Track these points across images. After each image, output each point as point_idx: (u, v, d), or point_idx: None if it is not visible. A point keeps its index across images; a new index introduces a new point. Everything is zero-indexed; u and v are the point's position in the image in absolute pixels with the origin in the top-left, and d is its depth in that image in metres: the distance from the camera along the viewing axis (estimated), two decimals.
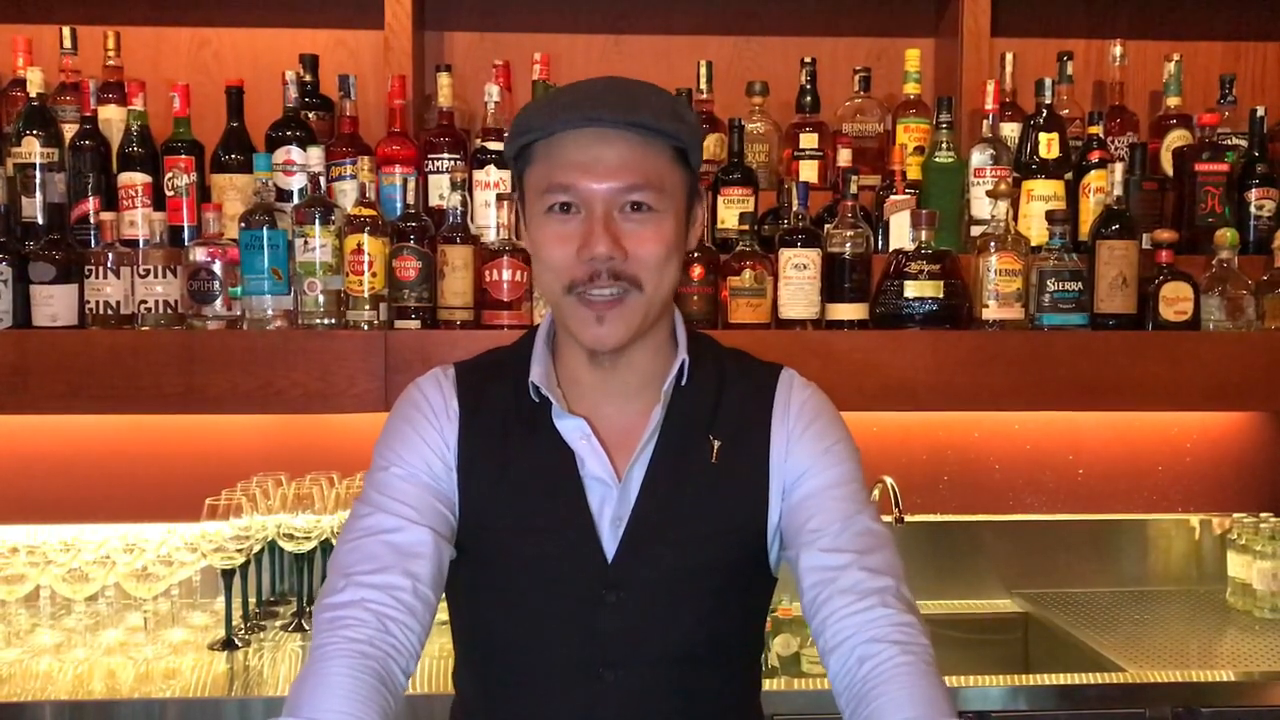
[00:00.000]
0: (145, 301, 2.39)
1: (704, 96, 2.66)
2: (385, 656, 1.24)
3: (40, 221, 2.46)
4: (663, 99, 1.30)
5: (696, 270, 2.42)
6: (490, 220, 2.48)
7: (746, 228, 2.45)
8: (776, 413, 1.38)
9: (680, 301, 2.43)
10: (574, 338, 1.32)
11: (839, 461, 1.37)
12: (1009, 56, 2.67)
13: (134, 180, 2.48)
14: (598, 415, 1.36)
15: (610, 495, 1.34)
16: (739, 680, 1.44)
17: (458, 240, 2.41)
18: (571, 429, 1.35)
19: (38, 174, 2.46)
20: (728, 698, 1.41)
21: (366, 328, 2.40)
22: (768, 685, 2.25)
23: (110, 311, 2.38)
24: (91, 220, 2.47)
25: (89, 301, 2.39)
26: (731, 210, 2.51)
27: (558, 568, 1.33)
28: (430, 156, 2.53)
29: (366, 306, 2.40)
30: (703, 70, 2.67)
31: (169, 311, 2.40)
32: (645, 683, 1.34)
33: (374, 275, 2.39)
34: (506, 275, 2.42)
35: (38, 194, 2.45)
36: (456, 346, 2.41)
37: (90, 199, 2.47)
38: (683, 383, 1.36)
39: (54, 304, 2.36)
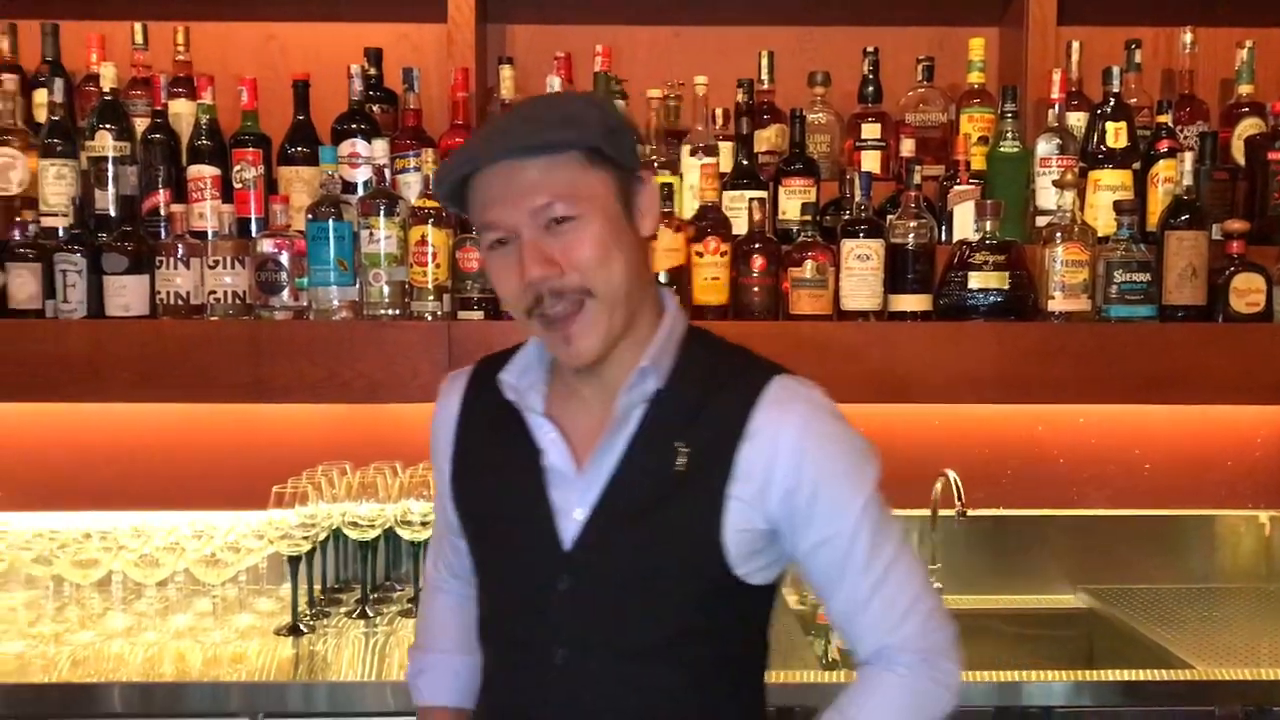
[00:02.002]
0: (214, 292, 2.43)
1: (765, 87, 2.66)
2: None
3: (113, 214, 2.51)
4: (559, 110, 1.35)
5: (758, 261, 2.41)
6: None
7: (808, 218, 2.44)
8: (751, 431, 1.34)
9: (740, 293, 2.43)
10: (558, 357, 1.39)
11: (839, 507, 1.36)
12: (1075, 45, 2.63)
13: (203, 173, 2.52)
14: (570, 412, 1.41)
15: (574, 488, 1.38)
16: (707, 688, 1.41)
17: None
18: (539, 425, 1.41)
19: (110, 167, 2.51)
20: (689, 703, 1.40)
21: (430, 318, 2.43)
22: (827, 677, 2.25)
23: (180, 302, 2.43)
24: (162, 212, 2.51)
25: (159, 292, 2.44)
26: (793, 201, 2.50)
27: (519, 555, 1.41)
28: None
29: (430, 297, 2.43)
30: (763, 61, 2.66)
31: (237, 302, 2.44)
32: (596, 671, 1.38)
33: (437, 266, 2.42)
34: None
35: (110, 187, 2.50)
36: (518, 337, 2.42)
37: (161, 191, 2.52)
38: (657, 386, 1.37)
39: (126, 294, 2.41)
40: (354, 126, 2.56)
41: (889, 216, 2.48)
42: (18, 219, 2.48)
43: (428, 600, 1.69)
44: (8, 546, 2.52)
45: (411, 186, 2.51)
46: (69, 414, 2.66)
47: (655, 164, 2.53)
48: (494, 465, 1.45)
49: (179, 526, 2.57)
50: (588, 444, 1.39)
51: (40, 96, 2.61)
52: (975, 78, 2.65)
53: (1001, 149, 2.55)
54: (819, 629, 2.60)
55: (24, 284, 2.43)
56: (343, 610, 2.53)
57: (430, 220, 2.40)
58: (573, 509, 1.38)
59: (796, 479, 1.34)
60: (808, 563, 1.39)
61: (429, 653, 1.65)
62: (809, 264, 2.39)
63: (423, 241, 2.41)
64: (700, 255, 2.42)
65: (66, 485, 2.73)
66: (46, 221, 2.51)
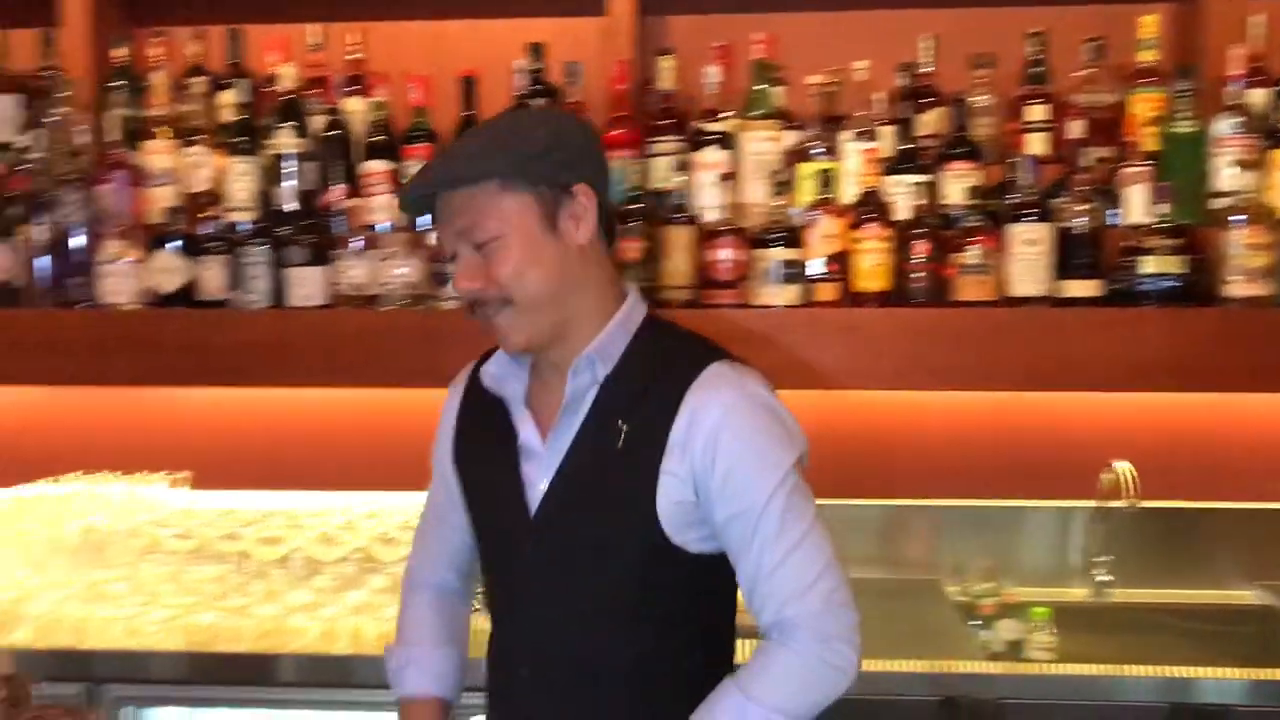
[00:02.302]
0: (388, 283, 2.53)
1: (926, 70, 2.62)
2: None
3: (293, 208, 2.62)
4: (475, 145, 1.52)
5: (920, 247, 2.39)
6: (711, 200, 2.51)
7: (973, 203, 2.40)
8: (683, 410, 1.47)
9: (902, 279, 2.41)
10: None
11: (742, 491, 1.47)
12: (1257, 20, 2.52)
13: (376, 169, 2.62)
14: (542, 396, 1.59)
15: (540, 463, 1.55)
16: (667, 649, 1.55)
17: (679, 221, 2.46)
18: (515, 409, 1.60)
19: (290, 164, 2.62)
20: (650, 662, 1.54)
21: None
22: (990, 668, 2.22)
23: (356, 292, 2.53)
24: (338, 207, 2.62)
25: (337, 283, 2.55)
26: (956, 185, 2.46)
27: (500, 524, 1.62)
28: (652, 139, 2.58)
29: None
30: (925, 44, 2.62)
31: (410, 292, 2.53)
32: (560, 627, 1.56)
33: None
34: (726, 255, 2.45)
35: (291, 182, 2.62)
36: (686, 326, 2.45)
37: (337, 187, 2.63)
38: (605, 371, 1.52)
39: (307, 285, 2.53)
40: None
41: (1056, 200, 2.42)
42: (204, 215, 2.63)
43: (406, 598, 1.83)
44: (199, 524, 2.67)
45: None
46: (254, 399, 2.81)
47: (813, 150, 2.53)
48: (484, 445, 1.64)
49: (353, 506, 2.68)
50: (548, 419, 1.56)
51: (225, 98, 2.74)
52: (1147, 56, 2.56)
53: (1176, 129, 2.46)
54: (984, 619, 2.57)
55: (212, 276, 2.58)
56: None
57: None
58: (539, 481, 1.55)
59: (711, 457, 1.46)
60: (722, 535, 1.50)
61: (411, 646, 1.77)
62: (974, 249, 2.36)
63: None
64: (861, 241, 2.41)
65: (251, 466, 2.88)
66: (231, 216, 2.64)
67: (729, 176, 2.51)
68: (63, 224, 2.63)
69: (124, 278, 2.58)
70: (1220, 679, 2.15)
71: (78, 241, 2.63)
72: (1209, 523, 2.69)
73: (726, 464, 1.46)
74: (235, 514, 2.75)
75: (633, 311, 1.57)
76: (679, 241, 2.44)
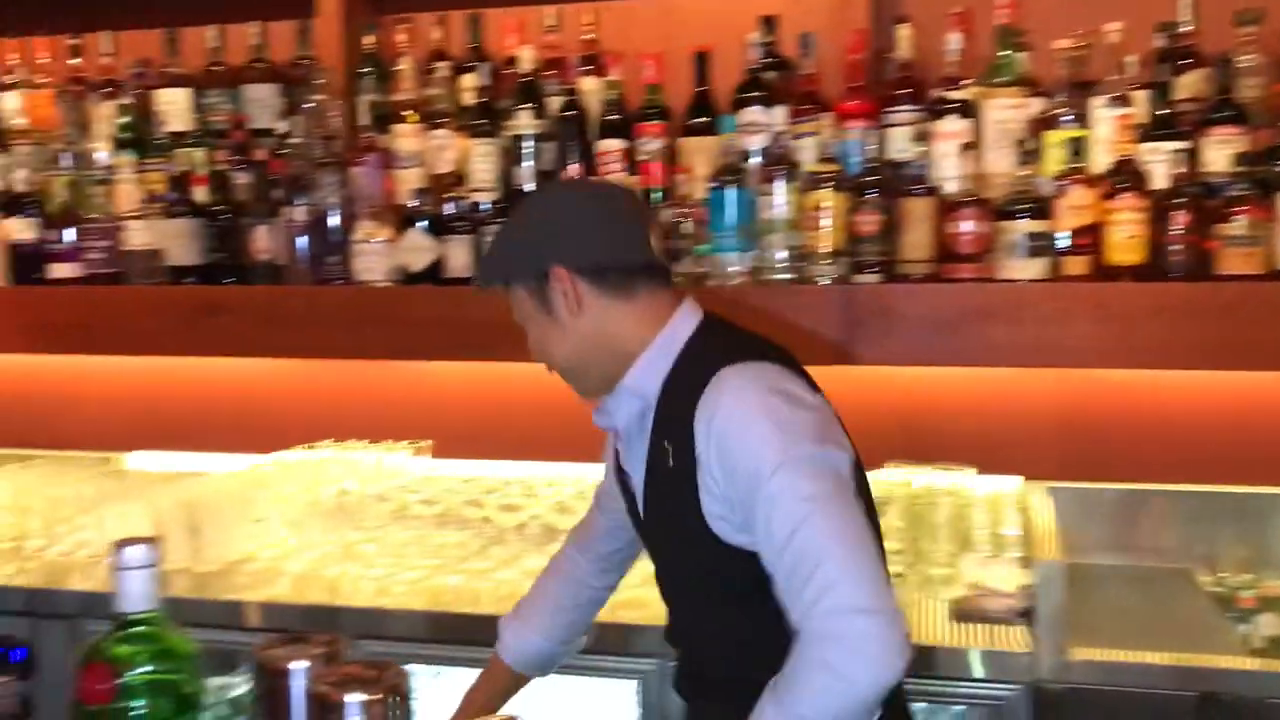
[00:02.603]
0: None
1: (1186, 29, 2.46)
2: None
3: (531, 188, 2.69)
4: (491, 249, 1.70)
5: (1179, 218, 2.26)
6: (951, 171, 2.44)
7: (1239, 170, 2.24)
8: (698, 420, 1.51)
9: (1159, 251, 2.29)
10: None
11: (745, 480, 1.46)
12: None
13: (611, 147, 2.66)
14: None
15: (635, 482, 1.69)
16: (761, 630, 1.51)
17: (918, 193, 2.40)
18: (615, 433, 1.73)
19: (528, 144, 2.69)
20: (748, 642, 1.57)
21: (826, 282, 2.44)
22: (1254, 664, 2.09)
23: None
24: None
25: None
26: (1220, 152, 2.31)
27: (633, 521, 1.76)
28: (889, 110, 2.52)
29: (826, 261, 2.45)
30: (1184, 2, 2.46)
31: None
32: (683, 611, 1.72)
33: (834, 231, 2.43)
34: (968, 227, 2.38)
35: (529, 163, 2.69)
36: (916, 299, 2.41)
37: (573, 165, 2.68)
38: (643, 404, 1.61)
39: None
40: (752, 94, 2.61)
41: None
42: (449, 195, 2.73)
43: (552, 561, 2.00)
44: (443, 490, 2.78)
45: (808, 151, 2.53)
46: (494, 372, 2.90)
47: (1060, 117, 2.42)
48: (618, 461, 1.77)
49: (585, 477, 2.73)
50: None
51: (467, 81, 2.83)
52: None
53: None
54: (1243, 612, 2.42)
55: (458, 254, 2.68)
56: None
57: (827, 185, 2.42)
58: (637, 495, 1.69)
59: (722, 465, 1.48)
60: (745, 528, 1.50)
61: (513, 620, 1.95)
62: (1240, 219, 2.21)
63: (819, 206, 2.43)
64: (1114, 212, 2.29)
65: (489, 437, 2.98)
66: (474, 196, 2.73)
67: (970, 146, 2.43)
68: (320, 205, 2.78)
69: (376, 256, 2.71)
70: None
71: (334, 222, 2.78)
72: None
73: (731, 463, 1.48)
74: (477, 481, 2.85)
75: (675, 333, 1.61)
76: (918, 213, 2.39)
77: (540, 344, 1.66)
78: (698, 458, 1.51)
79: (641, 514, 1.70)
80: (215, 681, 2.79)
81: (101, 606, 2.43)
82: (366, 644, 2.36)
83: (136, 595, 1.32)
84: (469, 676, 2.55)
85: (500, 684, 1.93)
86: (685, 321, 1.62)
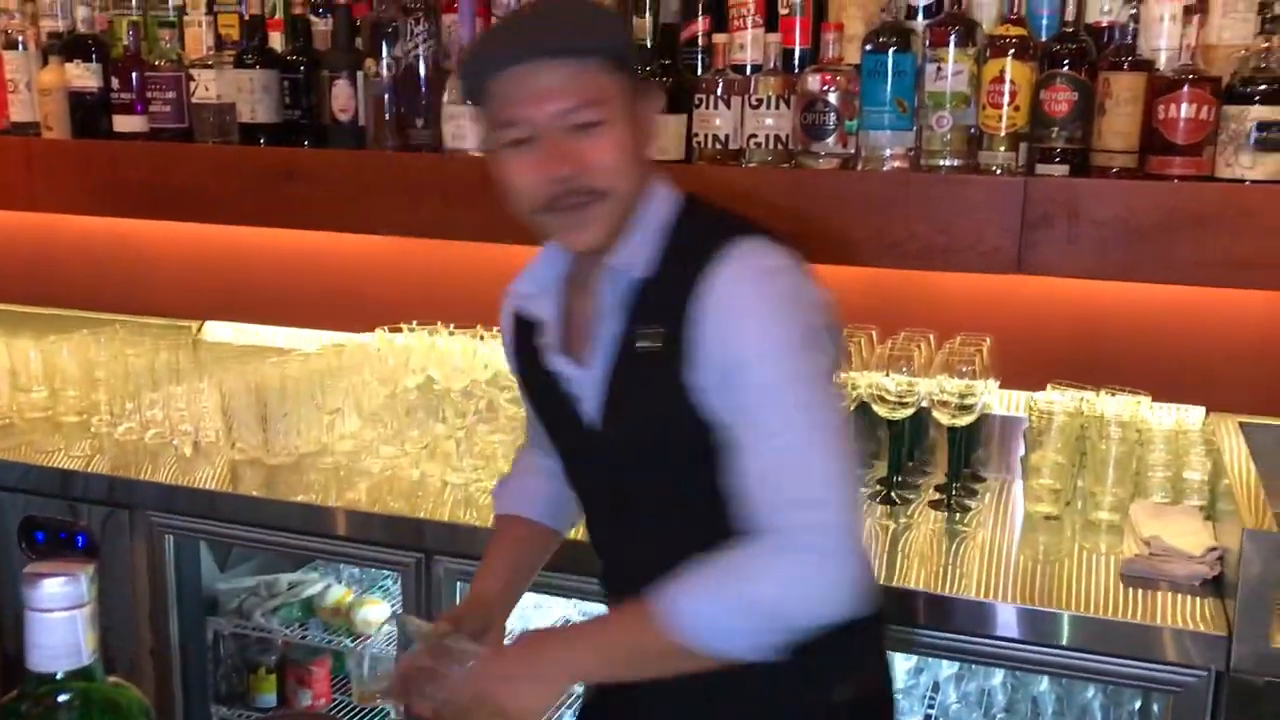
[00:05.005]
0: (755, 135, 2.18)
1: None
2: None
3: (650, 44, 2.31)
4: (584, 14, 1.41)
5: None
6: (1166, 41, 2.00)
7: None
8: (706, 299, 1.36)
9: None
10: (557, 243, 1.49)
11: (751, 375, 1.35)
12: None
13: None
14: (581, 301, 1.50)
15: (582, 379, 1.48)
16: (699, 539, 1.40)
17: (1124, 66, 1.97)
18: (542, 310, 1.53)
19: None
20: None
21: (1000, 172, 2.05)
22: None
23: (718, 146, 2.20)
24: (700, 43, 2.28)
25: (696, 134, 2.23)
26: None
27: (565, 439, 1.58)
28: None
29: (1003, 147, 2.05)
30: None
31: (779, 148, 2.18)
32: (644, 526, 1.51)
33: (1016, 109, 2.03)
34: (1185, 111, 1.95)
35: (649, 14, 2.30)
36: (1110, 199, 2.00)
37: (700, 19, 2.29)
38: (639, 276, 1.42)
39: (663, 135, 2.22)
40: None
41: None
42: None
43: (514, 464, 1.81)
44: None
45: (988, 9, 2.10)
46: None
47: None
48: (528, 365, 1.58)
49: None
50: (586, 334, 1.47)
51: None
52: None
53: None
54: None
55: None
56: (865, 492, 2.27)
57: (1011, 52, 2.01)
58: (585, 396, 1.48)
59: (718, 335, 1.36)
60: (723, 415, 1.37)
61: (513, 477, 1.78)
62: None
63: (1000, 78, 2.02)
64: None
65: None
66: None
67: (1194, 10, 1.98)
68: (408, 58, 2.44)
69: (468, 121, 2.37)
70: None
71: (422, 79, 2.44)
72: None
73: (720, 337, 1.36)
74: None
75: (662, 207, 1.45)
76: (1124, 92, 1.97)
77: (623, 151, 1.38)
78: (692, 339, 1.37)
79: (595, 412, 1.47)
80: (289, 577, 2.65)
81: (168, 499, 2.35)
82: (449, 561, 2.15)
83: (59, 649, 0.89)
84: (566, 606, 2.34)
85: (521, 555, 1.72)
86: (671, 193, 1.48)
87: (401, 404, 2.50)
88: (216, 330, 3.10)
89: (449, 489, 2.29)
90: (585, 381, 1.48)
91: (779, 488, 1.31)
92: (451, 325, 2.66)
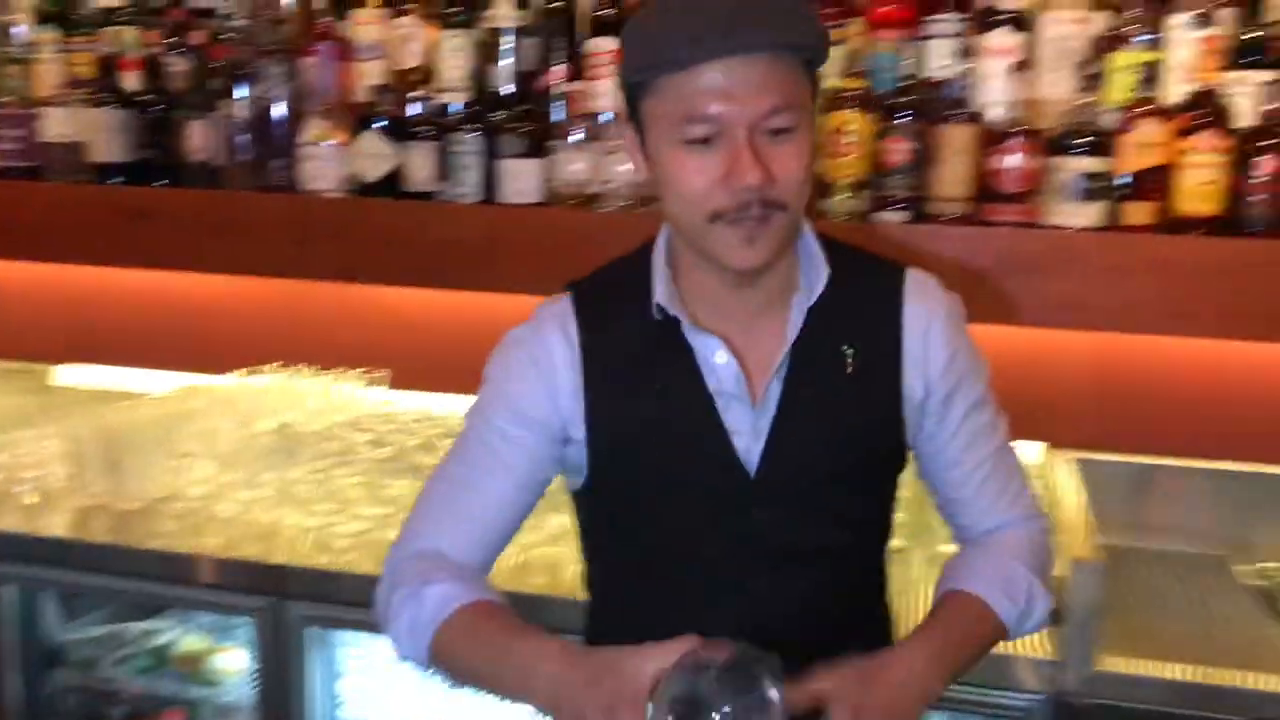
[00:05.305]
0: (610, 181, 2.23)
1: None
2: None
3: (508, 90, 2.35)
4: (792, 5, 1.24)
5: (1267, 163, 1.93)
6: (998, 95, 2.11)
7: None
8: (909, 318, 1.37)
9: (1238, 201, 1.96)
10: (716, 260, 1.29)
11: (974, 385, 1.42)
12: None
13: (603, 47, 2.30)
14: (731, 333, 1.35)
15: (747, 412, 1.34)
16: (875, 571, 1.48)
17: (958, 118, 2.07)
18: (705, 346, 1.34)
19: (508, 39, 2.35)
20: (866, 591, 1.47)
21: (844, 218, 2.12)
22: None
23: (575, 190, 2.25)
24: (558, 90, 2.33)
25: (553, 178, 2.27)
26: None
27: (700, 486, 1.35)
28: (928, 19, 2.17)
29: (845, 195, 2.12)
30: None
31: (636, 193, 2.23)
32: (790, 588, 1.37)
33: (857, 158, 2.10)
34: (1014, 162, 2.06)
35: (508, 60, 2.34)
36: (946, 245, 2.09)
37: (557, 68, 2.33)
38: (821, 297, 1.34)
39: (521, 179, 2.26)
40: None
41: None
42: (413, 94, 2.39)
43: (408, 577, 1.38)
44: (393, 430, 2.49)
45: (831, 64, 2.17)
46: (461, 299, 2.58)
47: (1131, 37, 2.08)
48: (649, 394, 1.35)
49: None
50: (756, 363, 1.35)
51: None
52: None
53: None
54: None
55: (420, 164, 2.34)
56: None
57: (852, 104, 2.09)
58: (752, 431, 1.34)
59: (949, 354, 1.38)
60: (952, 435, 1.42)
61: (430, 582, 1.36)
62: None
63: (841, 129, 2.10)
64: (1189, 153, 1.96)
65: (453, 370, 2.67)
66: (441, 97, 2.40)
67: (1022, 66, 2.10)
68: (265, 100, 2.43)
69: (326, 162, 2.39)
70: None
71: (279, 120, 2.44)
72: None
73: (947, 356, 1.38)
74: (433, 421, 2.56)
75: (813, 235, 1.38)
76: (957, 143, 2.07)
77: (809, 160, 1.26)
78: (904, 350, 1.36)
79: (758, 456, 1.33)
80: (138, 628, 2.57)
81: (11, 547, 2.26)
82: (305, 606, 2.12)
83: None
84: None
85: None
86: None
87: (257, 447, 2.46)
88: (68, 374, 3.01)
89: (304, 533, 2.25)
90: (753, 422, 1.34)
91: (1005, 485, 1.45)
92: (310, 367, 2.65)
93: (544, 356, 1.39)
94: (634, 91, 1.27)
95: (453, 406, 2.65)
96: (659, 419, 1.34)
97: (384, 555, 1.96)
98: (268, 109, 2.44)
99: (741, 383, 1.34)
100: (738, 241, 1.25)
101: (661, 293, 1.34)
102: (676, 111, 1.22)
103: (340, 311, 2.77)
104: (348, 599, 2.09)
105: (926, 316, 1.37)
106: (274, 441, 2.48)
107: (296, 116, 2.43)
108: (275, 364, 2.66)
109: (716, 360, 1.33)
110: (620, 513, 1.41)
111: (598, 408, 1.36)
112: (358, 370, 2.67)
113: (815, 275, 1.34)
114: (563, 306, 1.42)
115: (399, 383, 2.71)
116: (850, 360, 1.34)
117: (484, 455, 1.40)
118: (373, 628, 2.10)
